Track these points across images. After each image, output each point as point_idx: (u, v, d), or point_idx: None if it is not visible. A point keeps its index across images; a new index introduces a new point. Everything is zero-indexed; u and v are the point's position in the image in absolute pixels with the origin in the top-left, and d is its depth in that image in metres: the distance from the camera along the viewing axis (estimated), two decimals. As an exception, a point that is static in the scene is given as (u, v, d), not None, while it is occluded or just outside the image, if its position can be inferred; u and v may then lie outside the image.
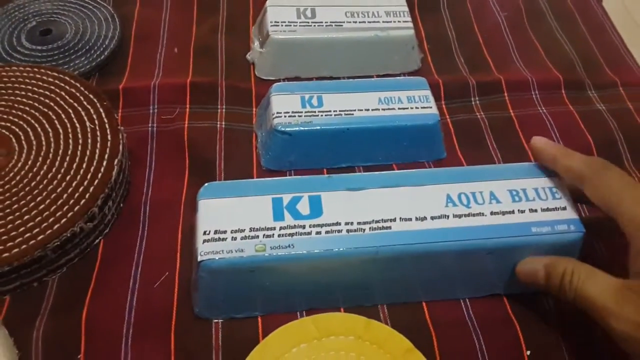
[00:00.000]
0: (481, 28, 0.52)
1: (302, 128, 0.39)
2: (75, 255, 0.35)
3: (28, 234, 0.33)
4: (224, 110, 0.43)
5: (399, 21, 0.47)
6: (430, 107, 0.40)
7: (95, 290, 0.34)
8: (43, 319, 0.33)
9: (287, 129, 0.39)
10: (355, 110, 0.40)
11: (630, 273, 0.29)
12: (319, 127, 0.39)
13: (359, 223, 0.32)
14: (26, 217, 0.34)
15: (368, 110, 0.40)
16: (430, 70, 0.48)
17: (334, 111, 0.40)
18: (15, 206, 0.34)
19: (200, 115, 0.43)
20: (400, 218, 0.33)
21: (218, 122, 0.42)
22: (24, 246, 0.33)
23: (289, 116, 0.39)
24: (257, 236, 0.31)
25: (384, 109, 0.40)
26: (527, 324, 0.34)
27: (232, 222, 0.32)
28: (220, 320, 0.33)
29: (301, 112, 0.39)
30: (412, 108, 0.40)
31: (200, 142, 0.41)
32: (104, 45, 0.46)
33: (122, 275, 0.35)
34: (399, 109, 0.40)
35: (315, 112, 0.39)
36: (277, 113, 0.39)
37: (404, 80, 0.43)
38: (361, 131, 0.39)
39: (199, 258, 0.31)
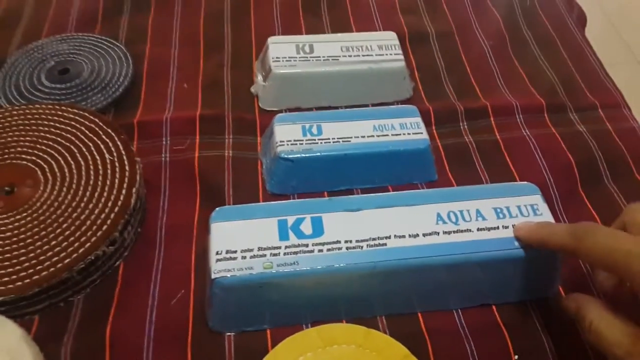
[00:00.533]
0: (468, 57, 0.55)
1: (303, 155, 0.42)
2: (97, 276, 0.38)
3: (55, 258, 0.36)
4: (231, 139, 0.47)
5: (390, 54, 0.50)
6: (421, 133, 0.44)
7: (118, 308, 0.37)
8: (70, 335, 0.36)
9: (289, 156, 0.42)
10: (352, 137, 0.43)
11: None
12: (319, 154, 0.42)
13: (357, 241, 0.36)
14: (53, 242, 0.37)
15: (364, 137, 0.43)
16: (421, 97, 0.51)
17: (333, 139, 0.43)
18: (43, 233, 0.38)
19: (210, 145, 0.46)
20: (395, 235, 0.36)
21: (226, 151, 0.46)
22: (52, 269, 0.36)
23: (291, 144, 0.43)
24: (265, 255, 0.35)
25: (378, 136, 0.44)
26: (514, 331, 0.37)
27: (242, 242, 0.35)
28: (232, 334, 0.36)
29: (302, 140, 0.43)
30: (404, 134, 0.44)
31: (210, 170, 0.44)
32: (119, 83, 0.50)
33: (142, 294, 0.38)
34: (392, 135, 0.44)
35: (315, 139, 0.43)
36: (280, 142, 0.43)
37: (396, 109, 0.47)
38: (358, 156, 0.43)
39: (213, 276, 0.34)
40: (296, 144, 0.43)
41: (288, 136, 0.43)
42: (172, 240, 0.41)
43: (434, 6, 0.61)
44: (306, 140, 0.43)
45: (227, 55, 0.54)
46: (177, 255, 0.40)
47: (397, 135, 0.44)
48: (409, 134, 0.44)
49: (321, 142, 0.43)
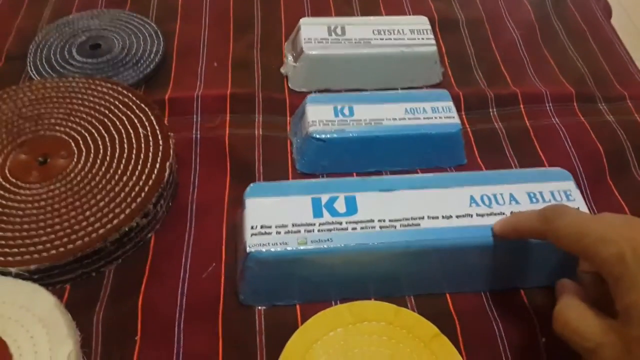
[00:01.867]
0: (498, 45, 0.55)
1: (335, 135, 0.42)
2: (130, 248, 0.38)
3: (90, 228, 0.37)
4: (261, 118, 0.47)
5: (422, 38, 0.50)
6: (453, 117, 0.44)
7: (149, 279, 0.37)
8: (102, 304, 0.36)
9: (321, 136, 0.42)
10: (383, 119, 0.43)
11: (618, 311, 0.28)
12: (350, 135, 0.42)
13: (390, 220, 0.36)
14: (87, 213, 0.37)
15: (395, 119, 0.43)
16: (451, 83, 0.51)
17: (364, 120, 0.43)
18: (77, 203, 0.38)
19: (240, 124, 0.46)
20: (428, 216, 0.36)
21: (256, 130, 0.46)
22: (86, 239, 0.36)
23: (323, 124, 0.43)
24: (299, 231, 0.35)
25: (410, 119, 0.44)
26: (542, 315, 0.37)
27: (277, 218, 0.35)
28: (263, 308, 0.37)
29: (334, 120, 0.43)
30: (435, 118, 0.44)
31: (241, 148, 0.45)
32: (150, 59, 0.50)
33: (173, 266, 0.38)
34: (424, 118, 0.44)
35: (347, 120, 0.43)
36: (312, 122, 0.43)
37: (428, 93, 0.47)
38: (389, 139, 0.43)
39: (247, 249, 0.34)
40: (328, 124, 0.43)
41: (320, 116, 0.43)
42: (203, 214, 0.41)
43: (462, -7, 0.61)
44: (338, 120, 0.43)
45: (257, 36, 0.54)
46: (208, 230, 0.40)
47: (428, 118, 0.44)
48: (440, 117, 0.44)
49: (353, 123, 0.43)
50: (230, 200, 0.42)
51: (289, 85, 0.50)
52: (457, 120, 0.44)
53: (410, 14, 0.57)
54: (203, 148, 0.45)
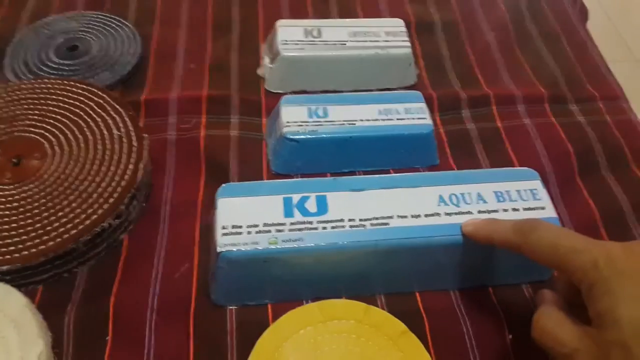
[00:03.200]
0: (473, 48, 0.56)
1: (309, 136, 0.43)
2: (102, 249, 0.39)
3: (62, 229, 0.37)
4: (237, 120, 0.47)
5: (397, 40, 0.51)
6: (425, 119, 0.44)
7: (121, 280, 0.38)
8: (74, 305, 0.36)
9: (295, 137, 0.43)
10: (357, 120, 0.44)
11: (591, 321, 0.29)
12: (324, 136, 0.43)
13: (360, 220, 0.36)
14: (60, 214, 0.38)
15: (369, 120, 0.44)
16: (425, 85, 0.52)
17: (338, 121, 0.44)
18: (50, 204, 0.38)
19: (215, 125, 0.47)
20: (397, 215, 0.37)
21: (231, 131, 0.46)
22: (58, 240, 0.36)
23: (297, 125, 0.43)
24: (270, 231, 0.35)
25: (383, 120, 0.44)
26: (509, 312, 0.37)
27: (248, 218, 0.36)
28: (234, 307, 0.37)
29: (308, 122, 0.43)
30: (408, 119, 0.44)
31: (215, 149, 0.45)
32: (127, 61, 0.50)
33: (146, 267, 0.38)
34: (397, 119, 0.44)
35: (320, 122, 0.44)
36: (287, 123, 0.43)
37: (401, 94, 0.47)
38: (362, 139, 0.43)
39: (219, 249, 0.34)
40: (302, 125, 0.43)
41: (294, 117, 0.44)
42: (176, 215, 0.41)
43: None
44: (312, 122, 0.43)
45: (234, 38, 0.54)
46: (181, 231, 0.40)
47: (401, 119, 0.44)
48: (413, 118, 0.44)
49: (327, 124, 0.43)
50: (204, 201, 0.42)
51: (265, 86, 0.51)
52: (429, 121, 0.44)
53: (387, 16, 0.58)
54: (178, 149, 0.45)
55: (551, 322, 0.30)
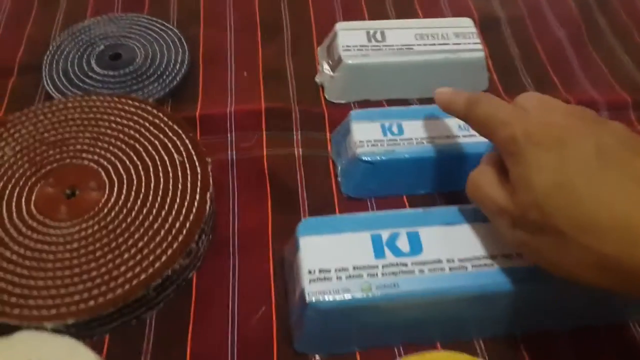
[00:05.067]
0: (543, 45, 0.52)
1: (385, 157, 0.39)
2: (171, 291, 0.35)
3: (130, 274, 0.33)
4: (299, 135, 0.44)
5: (468, 43, 0.47)
6: None
7: (195, 324, 0.34)
8: (147, 356, 0.33)
9: (369, 158, 0.39)
10: (436, 137, 0.40)
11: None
12: (402, 156, 0.39)
13: (460, 260, 0.33)
14: (126, 255, 0.34)
15: (449, 137, 0.40)
16: (497, 89, 0.48)
17: (416, 139, 0.40)
18: (114, 244, 0.35)
19: (277, 142, 0.43)
20: (502, 255, 0.33)
21: (295, 149, 0.43)
22: (127, 286, 0.33)
23: (372, 145, 0.39)
24: (362, 275, 0.32)
25: (464, 136, 0.40)
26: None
27: (335, 260, 0.32)
28: (319, 356, 0.34)
29: (383, 140, 0.40)
30: None
31: (280, 170, 0.41)
32: (175, 70, 0.46)
33: (220, 309, 0.35)
34: (480, 135, 0.40)
35: (396, 140, 0.40)
36: (360, 142, 0.39)
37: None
38: (444, 159, 0.40)
39: (307, 299, 0.31)
40: (377, 145, 0.39)
41: (367, 135, 0.40)
42: (246, 247, 0.38)
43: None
44: (387, 140, 0.40)
45: (286, 41, 0.50)
46: (253, 265, 0.37)
47: None
48: None
49: (403, 143, 0.40)
50: (274, 230, 0.39)
51: (326, 95, 0.47)
52: None
53: (448, 14, 0.54)
54: (240, 171, 0.41)
55: (485, 181, 0.32)
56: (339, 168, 0.42)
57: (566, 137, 0.28)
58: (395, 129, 0.40)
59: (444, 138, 0.40)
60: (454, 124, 0.41)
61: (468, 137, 0.40)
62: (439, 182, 0.41)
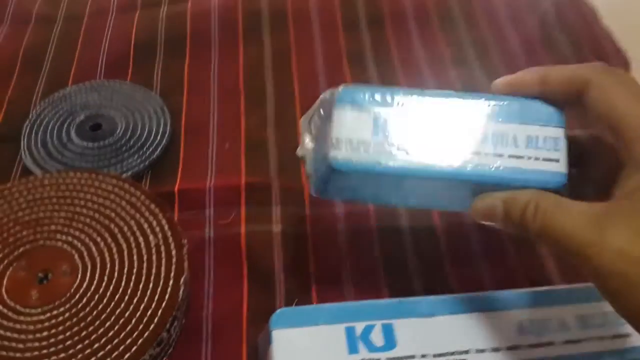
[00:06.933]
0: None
1: (367, 167, 0.30)
2: (142, 380, 0.35)
3: (99, 364, 0.33)
4: (279, 211, 0.43)
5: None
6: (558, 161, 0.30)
7: (165, 418, 0.34)
8: None
9: (344, 168, 0.30)
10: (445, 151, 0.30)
11: (616, 196, 0.25)
12: (388, 169, 0.30)
13: (434, 356, 0.32)
14: (96, 345, 0.34)
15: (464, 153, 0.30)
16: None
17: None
18: (84, 333, 0.34)
19: (256, 218, 0.43)
20: (476, 350, 0.33)
21: (274, 225, 0.42)
22: (95, 377, 0.32)
23: (352, 149, 0.30)
24: (335, 373, 0.31)
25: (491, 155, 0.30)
26: None
27: (308, 356, 0.32)
28: None
29: (369, 143, 0.30)
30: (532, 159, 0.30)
31: (258, 249, 0.41)
32: (156, 142, 0.46)
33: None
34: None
35: (384, 145, 0.30)
36: (337, 140, 0.30)
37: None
38: (447, 181, 0.30)
39: (279, 400, 0.30)
40: (359, 149, 0.29)
41: (351, 132, 0.30)
42: (219, 332, 0.37)
43: (483, 53, 0.57)
44: (375, 144, 0.29)
45: (269, 111, 0.50)
46: (226, 351, 0.37)
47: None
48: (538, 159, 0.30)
49: (393, 150, 0.30)
50: (249, 313, 0.38)
51: (306, 169, 0.47)
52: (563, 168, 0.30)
53: (430, 82, 0.54)
54: (217, 249, 0.41)
55: (558, 209, 0.25)
56: (310, 158, 0.34)
57: None
58: (393, 129, 0.30)
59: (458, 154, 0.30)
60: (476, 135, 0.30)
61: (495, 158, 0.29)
62: (429, 200, 0.34)
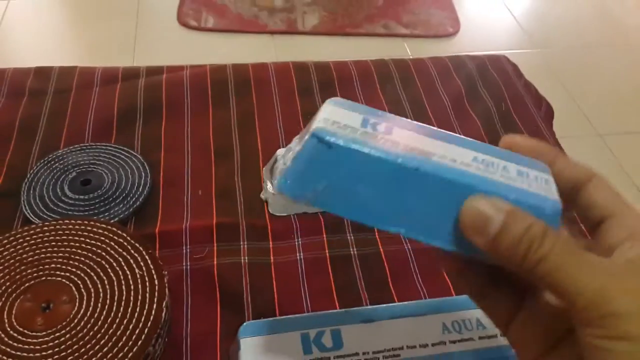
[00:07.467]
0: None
1: (353, 146, 0.25)
2: (131, 390, 0.41)
3: (95, 376, 0.39)
4: (245, 246, 0.51)
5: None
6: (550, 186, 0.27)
7: (152, 419, 0.40)
8: None
9: (331, 139, 0.25)
10: (435, 154, 0.26)
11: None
12: (375, 153, 0.25)
13: (374, 352, 0.40)
14: None
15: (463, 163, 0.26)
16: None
17: (404, 145, 0.26)
18: (83, 350, 0.41)
19: (226, 252, 0.50)
20: (407, 346, 0.40)
21: (242, 258, 0.50)
22: (93, 387, 0.39)
23: (339, 127, 0.26)
24: (292, 369, 0.38)
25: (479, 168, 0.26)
26: None
27: (271, 357, 0.39)
28: None
29: (357, 129, 0.26)
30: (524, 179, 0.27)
31: (229, 278, 0.48)
32: (139, 192, 0.54)
33: (174, 405, 0.41)
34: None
35: (376, 135, 0.26)
36: (324, 119, 0.26)
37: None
38: (436, 181, 0.25)
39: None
40: (345, 130, 0.26)
41: (338, 117, 0.26)
42: (197, 347, 0.44)
43: (418, 109, 0.67)
44: (363, 131, 0.26)
45: (236, 163, 0.58)
46: (204, 363, 0.43)
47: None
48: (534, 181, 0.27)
49: (383, 140, 0.26)
50: (222, 330, 0.45)
51: (269, 210, 0.55)
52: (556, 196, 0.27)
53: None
54: (193, 279, 0.48)
55: (571, 259, 0.22)
56: (276, 170, 0.28)
57: None
58: (382, 128, 0.27)
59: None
60: (468, 154, 0.26)
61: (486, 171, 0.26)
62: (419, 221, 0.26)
